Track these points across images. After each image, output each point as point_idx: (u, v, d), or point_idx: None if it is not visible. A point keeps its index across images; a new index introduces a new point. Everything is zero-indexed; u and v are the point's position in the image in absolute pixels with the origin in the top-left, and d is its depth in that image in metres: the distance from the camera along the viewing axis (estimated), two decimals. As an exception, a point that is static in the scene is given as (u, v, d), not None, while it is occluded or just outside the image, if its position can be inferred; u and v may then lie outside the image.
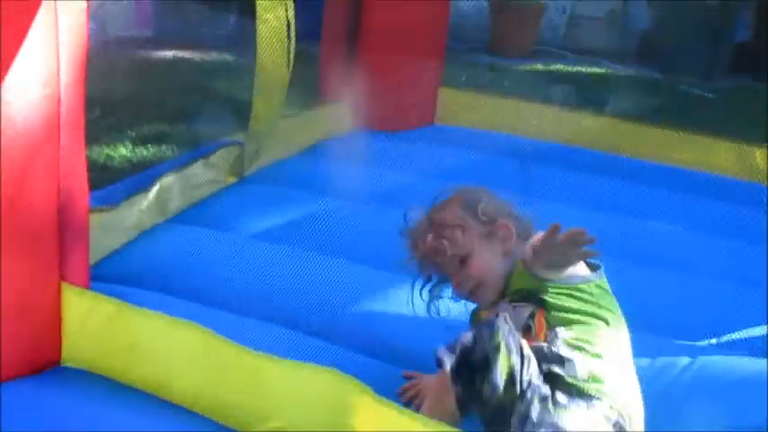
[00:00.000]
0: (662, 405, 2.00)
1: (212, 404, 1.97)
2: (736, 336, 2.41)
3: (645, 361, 2.14)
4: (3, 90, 1.75)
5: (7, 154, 1.80)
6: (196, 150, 3.39)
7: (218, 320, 2.18)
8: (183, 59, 5.88)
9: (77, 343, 2.03)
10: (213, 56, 6.02)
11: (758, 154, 4.01)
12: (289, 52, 3.23)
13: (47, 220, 1.91)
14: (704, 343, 2.40)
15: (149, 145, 4.16)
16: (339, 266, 2.61)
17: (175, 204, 3.07)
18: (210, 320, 2.06)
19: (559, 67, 7.33)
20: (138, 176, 3.03)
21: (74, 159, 1.95)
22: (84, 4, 1.94)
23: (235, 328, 2.09)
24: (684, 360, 2.20)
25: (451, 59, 4.76)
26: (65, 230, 1.97)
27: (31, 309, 1.97)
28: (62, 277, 1.98)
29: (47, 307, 1.98)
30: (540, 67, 7.13)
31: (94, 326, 2.03)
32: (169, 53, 5.86)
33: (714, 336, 2.42)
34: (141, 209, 2.89)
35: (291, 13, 3.21)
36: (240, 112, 3.65)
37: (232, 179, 3.40)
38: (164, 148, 4.13)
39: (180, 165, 3.19)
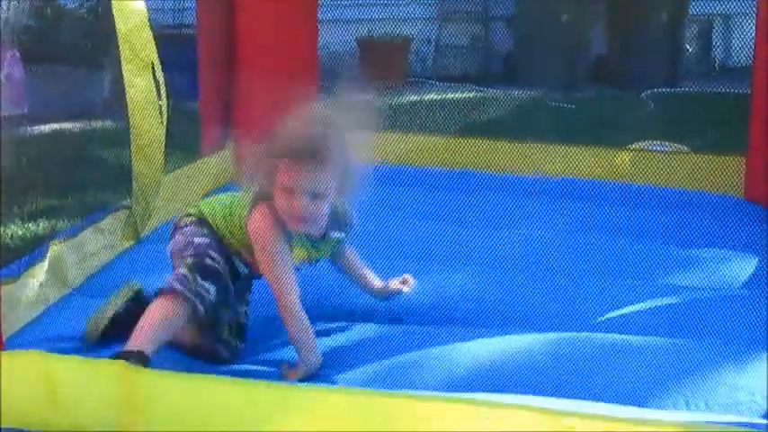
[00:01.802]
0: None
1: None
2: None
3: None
4: None
5: None
6: (86, 219, 3.43)
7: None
8: (61, 131, 5.90)
9: (8, 403, 2.09)
10: (91, 125, 6.06)
11: (619, 156, 4.32)
12: (161, 112, 3.35)
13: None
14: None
15: (39, 220, 4.18)
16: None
17: (73, 274, 3.10)
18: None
19: (432, 95, 7.61)
20: (37, 251, 3.06)
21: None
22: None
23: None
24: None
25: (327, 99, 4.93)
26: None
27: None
28: (-21, 350, 2.05)
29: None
30: (414, 97, 7.40)
31: (18, 380, 2.09)
32: (46, 127, 5.87)
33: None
34: (40, 281, 2.92)
35: (160, 74, 3.33)
36: (125, 177, 3.72)
37: (128, 243, 3.45)
38: (54, 221, 4.15)
39: (71, 234, 3.23)
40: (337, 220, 2.49)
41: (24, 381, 2.10)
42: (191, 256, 2.43)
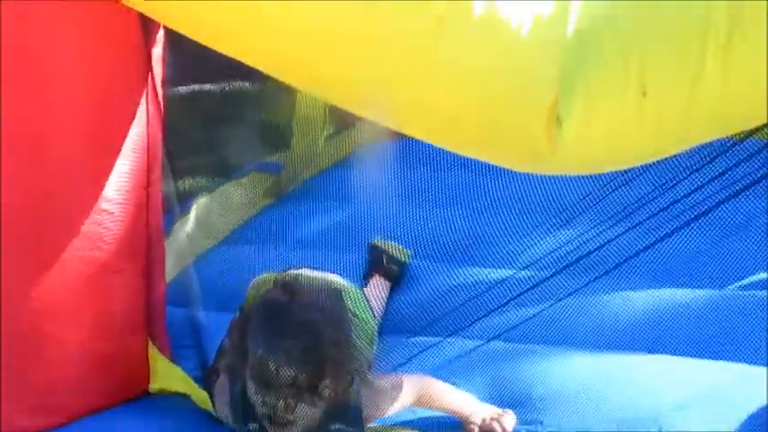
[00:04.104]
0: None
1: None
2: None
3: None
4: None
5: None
6: (230, 175, 3.50)
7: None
8: (201, 92, 6.00)
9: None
10: (231, 85, 6.13)
11: None
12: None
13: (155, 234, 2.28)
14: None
15: (186, 177, 4.26)
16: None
17: (218, 227, 3.19)
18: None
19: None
20: (183, 205, 3.15)
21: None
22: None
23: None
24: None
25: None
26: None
27: (136, 327, 2.21)
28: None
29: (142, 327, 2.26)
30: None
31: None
32: (187, 88, 5.98)
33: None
34: (188, 233, 3.02)
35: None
36: (269, 135, 3.75)
37: (269, 200, 3.52)
38: (199, 178, 4.23)
39: (215, 186, 3.31)
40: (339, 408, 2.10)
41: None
42: None
